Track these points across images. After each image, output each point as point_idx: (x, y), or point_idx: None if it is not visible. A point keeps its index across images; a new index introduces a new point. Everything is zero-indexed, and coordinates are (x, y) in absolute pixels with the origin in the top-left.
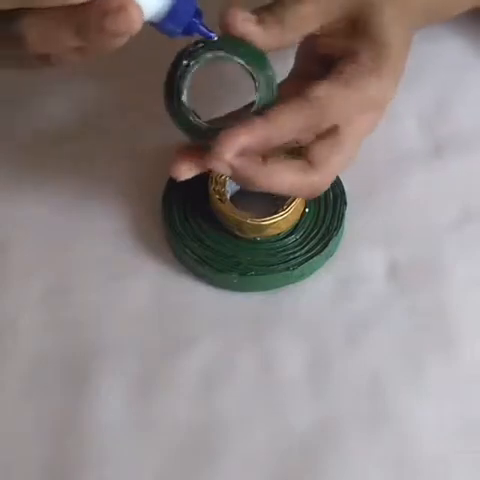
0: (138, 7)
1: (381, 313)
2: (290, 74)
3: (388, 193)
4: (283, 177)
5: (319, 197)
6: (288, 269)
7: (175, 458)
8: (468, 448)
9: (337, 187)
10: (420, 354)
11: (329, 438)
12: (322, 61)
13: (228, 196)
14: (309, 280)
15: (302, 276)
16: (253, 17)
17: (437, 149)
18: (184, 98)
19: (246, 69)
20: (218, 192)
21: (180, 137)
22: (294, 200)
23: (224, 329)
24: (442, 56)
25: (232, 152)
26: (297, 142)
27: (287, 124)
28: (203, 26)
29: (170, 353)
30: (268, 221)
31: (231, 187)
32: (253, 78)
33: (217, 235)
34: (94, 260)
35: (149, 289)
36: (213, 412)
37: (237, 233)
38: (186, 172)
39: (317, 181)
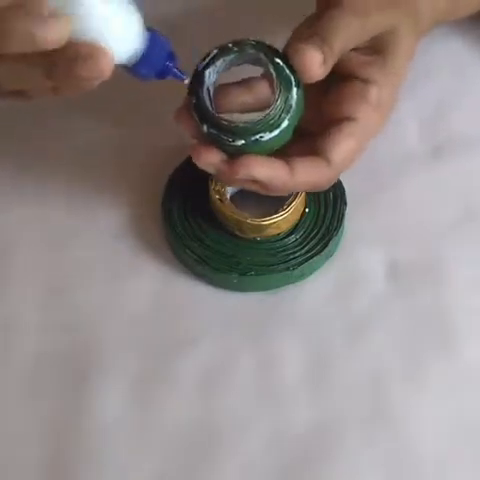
0: (107, 54)
1: (381, 313)
2: None
3: (388, 193)
4: (307, 181)
5: (319, 197)
6: (288, 269)
7: (175, 458)
8: (468, 448)
9: (337, 187)
10: (420, 354)
11: (329, 438)
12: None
13: (228, 196)
14: (309, 280)
15: (302, 276)
16: (321, 58)
17: (437, 150)
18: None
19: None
20: (218, 192)
21: (180, 136)
22: (294, 200)
23: (224, 329)
24: (442, 58)
25: (243, 175)
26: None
27: (305, 181)
28: (177, 69)
29: (170, 353)
30: (268, 221)
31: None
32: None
33: (217, 235)
34: (94, 260)
35: (149, 289)
36: (213, 412)
37: (237, 233)
38: (208, 166)
39: (333, 175)
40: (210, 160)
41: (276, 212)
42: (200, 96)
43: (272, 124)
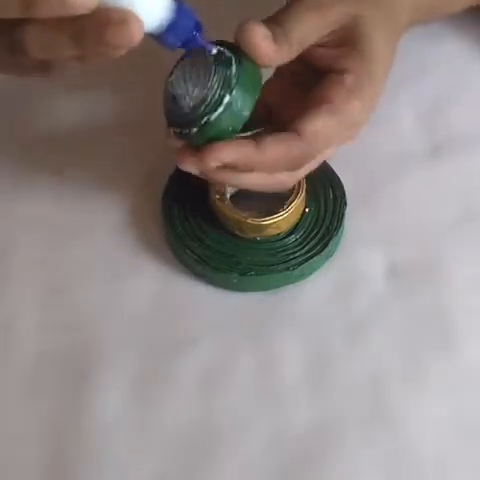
0: (139, 20)
1: (381, 313)
2: (275, 73)
3: (387, 193)
4: (277, 154)
5: (319, 197)
6: (288, 269)
7: (175, 458)
8: (468, 448)
9: (337, 188)
10: (420, 354)
11: (329, 438)
12: (307, 62)
13: (228, 196)
14: (309, 280)
15: (302, 276)
16: (270, 35)
17: (436, 149)
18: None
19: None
20: (218, 192)
21: None
22: (294, 200)
23: (224, 329)
24: (441, 56)
25: (214, 163)
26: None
27: (275, 156)
28: (203, 39)
29: (170, 353)
30: (268, 221)
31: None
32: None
33: (217, 235)
34: (94, 260)
35: (149, 289)
36: (213, 412)
37: (237, 233)
38: (190, 168)
39: (305, 148)
40: (187, 164)
41: (276, 212)
42: (166, 106)
43: (214, 103)
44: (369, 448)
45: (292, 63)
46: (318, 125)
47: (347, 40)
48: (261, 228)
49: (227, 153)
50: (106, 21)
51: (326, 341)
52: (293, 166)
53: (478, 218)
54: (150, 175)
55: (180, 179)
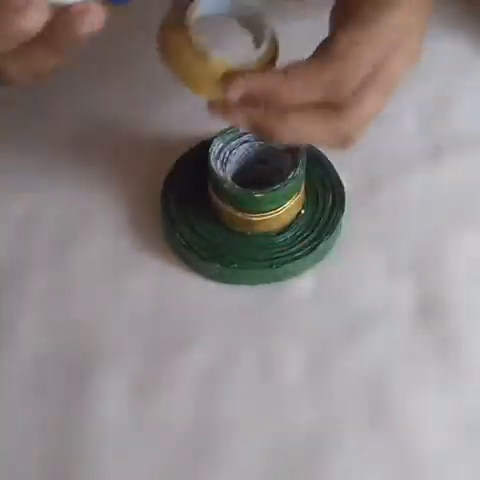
0: (97, 6)
1: (381, 313)
2: None
3: (388, 193)
4: (305, 127)
5: (318, 199)
6: (271, 266)
7: (175, 458)
8: (468, 447)
9: (338, 193)
10: (420, 354)
11: (328, 438)
12: None
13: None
14: (309, 280)
15: (285, 275)
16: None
17: (437, 149)
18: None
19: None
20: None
21: (179, 136)
22: (288, 200)
23: (225, 328)
24: (442, 56)
25: (238, 90)
26: None
27: (306, 80)
28: None
29: (170, 353)
30: (258, 218)
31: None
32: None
33: (209, 224)
34: (94, 260)
35: (149, 289)
36: (213, 412)
37: (229, 226)
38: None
39: (344, 127)
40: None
41: (269, 210)
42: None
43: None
44: (369, 447)
45: None
46: (343, 40)
47: None
48: (251, 223)
49: (253, 80)
50: (70, 20)
51: (326, 341)
52: (331, 94)
53: (478, 218)
54: (150, 175)
55: (181, 167)
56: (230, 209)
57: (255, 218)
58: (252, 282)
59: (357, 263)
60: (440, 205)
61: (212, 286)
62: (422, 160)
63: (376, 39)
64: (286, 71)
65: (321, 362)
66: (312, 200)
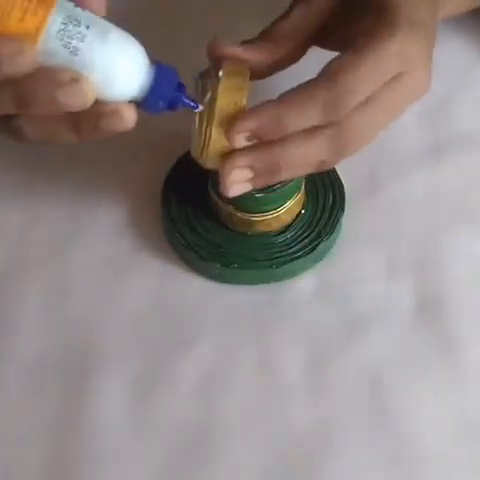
0: (130, 107)
1: (381, 313)
2: None
3: (388, 193)
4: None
5: (318, 199)
6: (271, 267)
7: (175, 458)
8: (468, 447)
9: (338, 193)
10: (420, 354)
11: (328, 437)
12: None
13: None
14: (309, 280)
15: (285, 275)
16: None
17: (437, 148)
18: None
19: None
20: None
21: (179, 135)
22: (289, 199)
23: (225, 328)
24: (443, 56)
25: (241, 135)
26: None
27: (301, 102)
28: (187, 98)
29: (170, 353)
30: (258, 218)
31: None
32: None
33: (209, 224)
34: (94, 260)
35: (149, 289)
36: (213, 412)
37: (229, 225)
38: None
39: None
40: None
41: (270, 209)
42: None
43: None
44: (369, 448)
45: None
46: (339, 64)
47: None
48: (250, 223)
49: (251, 118)
50: (100, 113)
51: (326, 341)
52: (327, 114)
53: (479, 218)
54: (150, 175)
55: (181, 167)
56: (230, 209)
57: (255, 218)
58: (252, 282)
59: (357, 263)
60: (440, 205)
61: (212, 286)
62: (423, 159)
63: (373, 64)
64: (282, 99)
65: (321, 362)
66: (312, 200)
